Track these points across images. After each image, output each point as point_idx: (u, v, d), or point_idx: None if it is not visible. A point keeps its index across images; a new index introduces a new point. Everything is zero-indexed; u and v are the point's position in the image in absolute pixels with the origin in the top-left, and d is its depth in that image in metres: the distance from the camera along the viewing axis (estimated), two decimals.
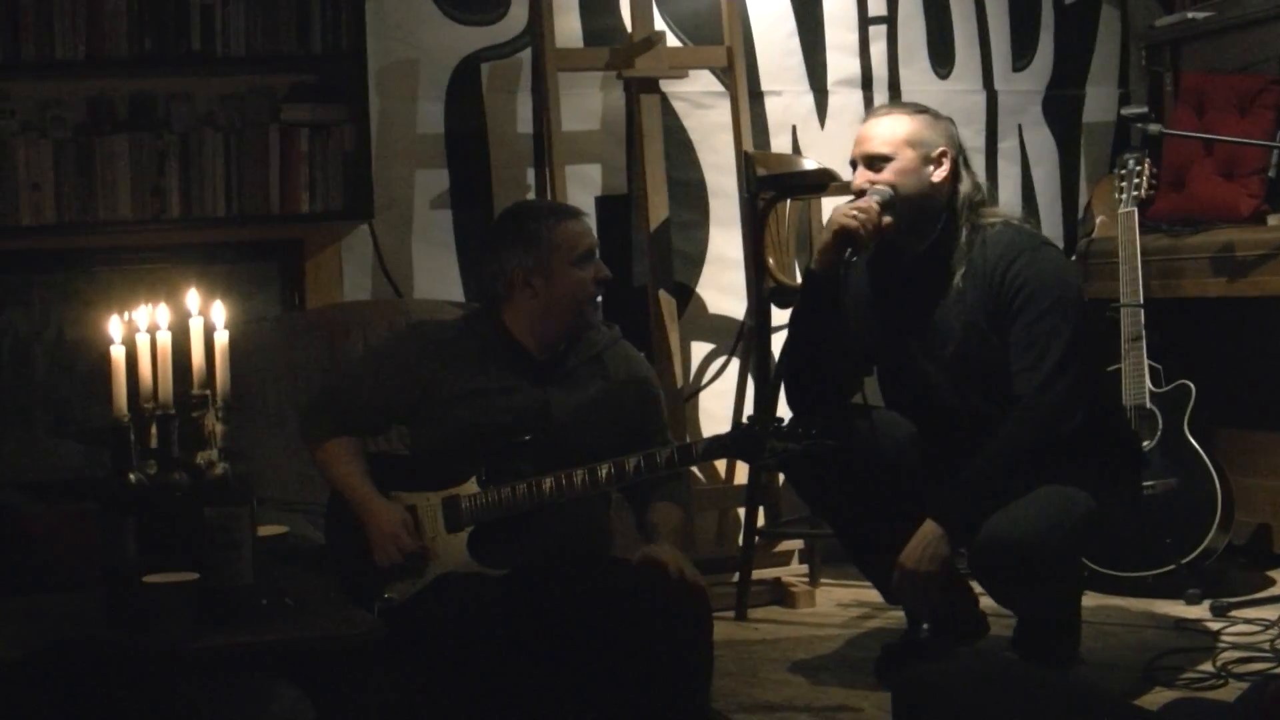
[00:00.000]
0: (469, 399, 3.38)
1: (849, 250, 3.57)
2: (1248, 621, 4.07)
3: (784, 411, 3.78)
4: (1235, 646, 3.86)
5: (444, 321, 3.63)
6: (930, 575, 3.47)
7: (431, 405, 3.40)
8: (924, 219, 3.61)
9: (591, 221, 4.83)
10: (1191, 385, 4.47)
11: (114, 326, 2.90)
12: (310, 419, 3.49)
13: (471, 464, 3.34)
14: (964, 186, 3.62)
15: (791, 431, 3.27)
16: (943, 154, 3.62)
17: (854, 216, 3.53)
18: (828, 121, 5.14)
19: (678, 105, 4.97)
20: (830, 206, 4.06)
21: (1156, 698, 3.48)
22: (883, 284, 3.69)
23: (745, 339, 4.89)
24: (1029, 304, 3.51)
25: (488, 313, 3.49)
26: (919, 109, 3.70)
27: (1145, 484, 4.04)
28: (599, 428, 3.43)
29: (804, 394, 3.70)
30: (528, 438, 3.35)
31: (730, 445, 3.41)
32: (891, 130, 3.63)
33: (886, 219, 3.56)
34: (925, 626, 3.75)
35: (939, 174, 3.61)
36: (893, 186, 3.57)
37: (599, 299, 3.53)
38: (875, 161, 3.63)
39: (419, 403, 3.41)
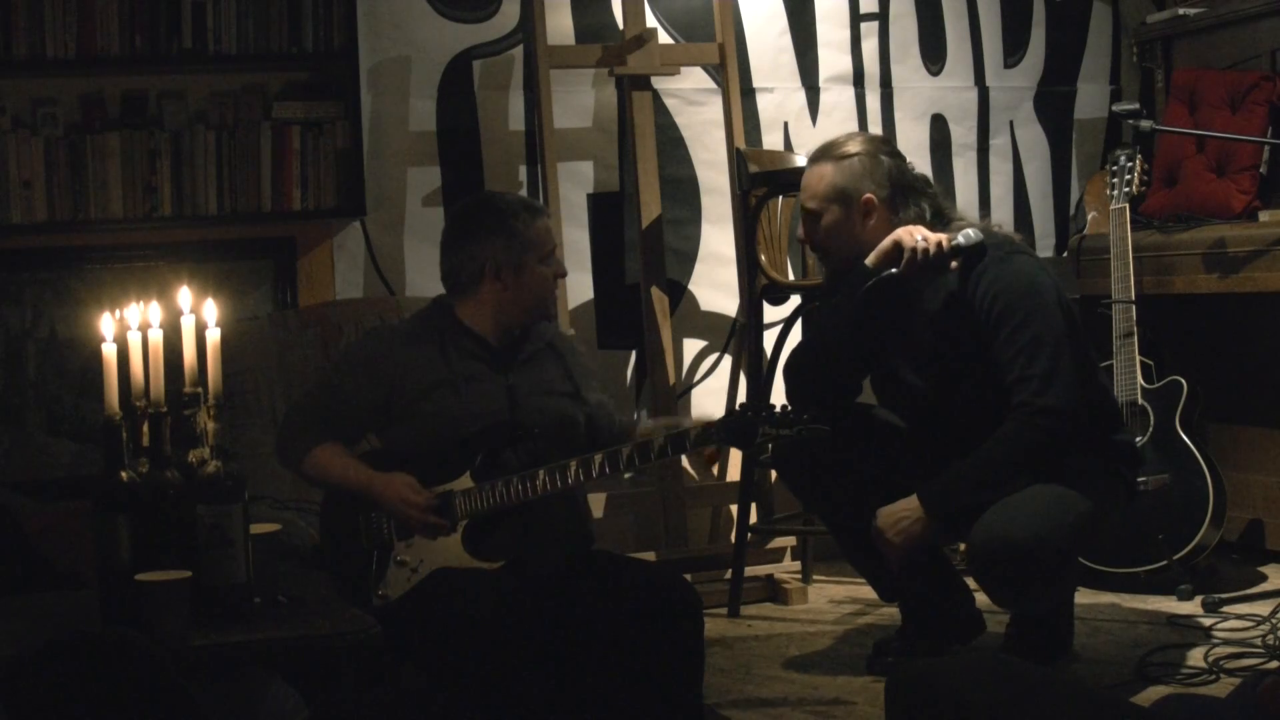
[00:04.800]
0: (435, 391, 3.37)
1: (891, 266, 3.54)
2: (1240, 617, 4.07)
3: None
4: (1227, 642, 3.86)
5: (399, 320, 3.63)
6: (892, 546, 3.52)
7: (400, 401, 3.39)
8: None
9: (584, 218, 4.87)
10: (1183, 381, 4.47)
11: (106, 325, 2.90)
12: (289, 436, 3.44)
13: (463, 460, 3.34)
14: (905, 218, 3.61)
15: (784, 417, 3.26)
16: (868, 201, 3.61)
17: (915, 239, 3.51)
18: (820, 118, 5.14)
19: (670, 102, 4.97)
20: None
21: (1149, 694, 3.48)
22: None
23: (738, 336, 4.90)
24: (1006, 317, 3.51)
25: (441, 305, 3.50)
26: (845, 152, 3.65)
27: (1138, 480, 4.04)
28: (559, 403, 3.46)
29: (810, 390, 3.69)
30: (521, 432, 3.36)
31: (722, 431, 3.37)
32: (815, 185, 3.65)
33: (954, 262, 3.54)
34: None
35: (867, 224, 3.61)
36: (978, 235, 3.54)
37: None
38: (809, 215, 3.67)
39: (388, 401, 3.39)
